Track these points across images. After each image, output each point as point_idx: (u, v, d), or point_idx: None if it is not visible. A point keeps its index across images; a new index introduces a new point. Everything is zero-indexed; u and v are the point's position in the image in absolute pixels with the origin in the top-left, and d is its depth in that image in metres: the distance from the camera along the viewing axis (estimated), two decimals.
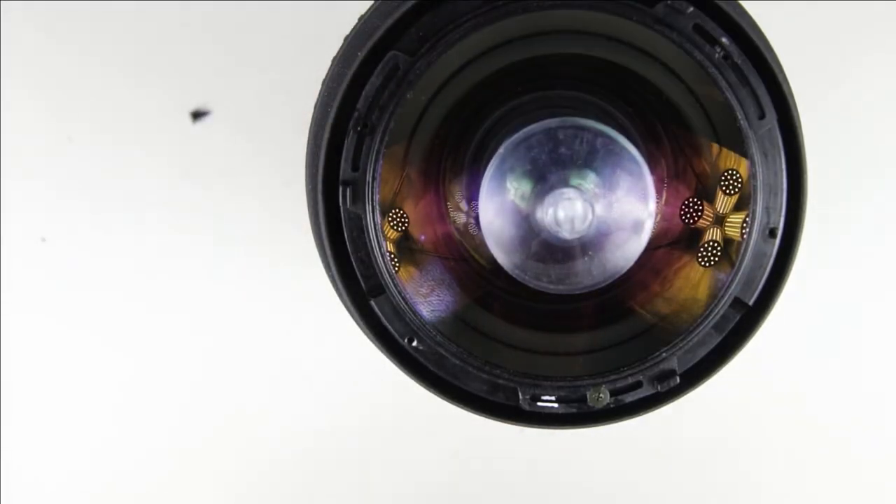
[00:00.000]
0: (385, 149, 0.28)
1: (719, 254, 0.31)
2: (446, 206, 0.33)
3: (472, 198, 0.32)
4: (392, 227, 0.32)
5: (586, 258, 0.28)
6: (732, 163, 0.30)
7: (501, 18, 0.27)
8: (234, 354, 0.44)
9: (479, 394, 0.29)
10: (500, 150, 0.28)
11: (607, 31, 0.29)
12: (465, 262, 0.32)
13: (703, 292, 0.31)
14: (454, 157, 0.33)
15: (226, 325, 0.45)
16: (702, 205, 0.32)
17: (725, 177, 0.30)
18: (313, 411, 0.44)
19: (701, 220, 0.32)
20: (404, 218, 0.32)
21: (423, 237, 0.33)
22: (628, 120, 0.31)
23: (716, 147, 0.30)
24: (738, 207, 0.30)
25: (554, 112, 0.30)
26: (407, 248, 0.32)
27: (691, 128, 0.30)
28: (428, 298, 0.31)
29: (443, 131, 0.32)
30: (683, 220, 0.32)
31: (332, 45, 0.31)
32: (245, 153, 0.42)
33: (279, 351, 0.45)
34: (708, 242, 0.32)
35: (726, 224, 0.31)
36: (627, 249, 0.28)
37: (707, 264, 0.31)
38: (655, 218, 0.29)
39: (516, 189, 0.28)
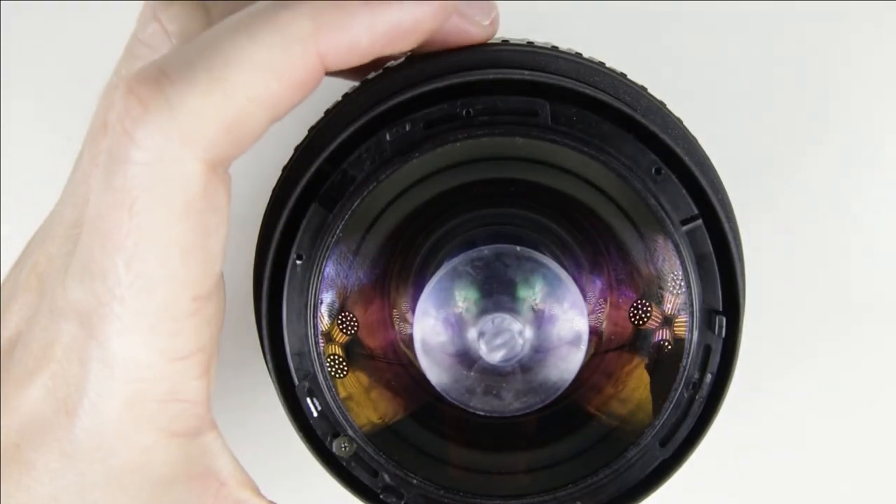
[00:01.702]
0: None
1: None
2: (392, 314, 0.33)
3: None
4: (341, 330, 0.32)
5: (522, 379, 0.28)
6: (675, 278, 0.30)
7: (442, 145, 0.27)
8: None
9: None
10: (435, 274, 0.28)
11: (539, 157, 0.29)
12: (409, 373, 0.32)
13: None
14: (401, 266, 0.33)
15: None
16: (650, 306, 0.32)
17: (669, 292, 0.30)
18: None
19: (649, 322, 0.32)
20: (354, 322, 0.32)
21: (371, 343, 0.33)
22: (567, 234, 0.31)
23: (658, 263, 0.30)
24: (682, 322, 0.30)
25: (492, 232, 0.30)
26: (357, 353, 0.32)
27: (628, 245, 0.30)
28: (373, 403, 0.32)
29: (390, 246, 0.32)
30: (633, 323, 0.32)
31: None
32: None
33: None
34: (658, 343, 0.31)
35: (675, 324, 0.31)
36: (563, 370, 0.28)
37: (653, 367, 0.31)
38: (598, 331, 0.29)
39: (448, 313, 0.28)
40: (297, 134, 0.30)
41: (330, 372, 0.29)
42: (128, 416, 0.25)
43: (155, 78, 0.24)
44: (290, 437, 0.41)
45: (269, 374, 0.29)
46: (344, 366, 0.31)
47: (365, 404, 0.31)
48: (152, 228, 0.24)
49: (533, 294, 0.28)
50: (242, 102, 0.24)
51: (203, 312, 0.26)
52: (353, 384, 0.32)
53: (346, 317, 0.32)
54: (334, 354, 0.31)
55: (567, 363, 0.28)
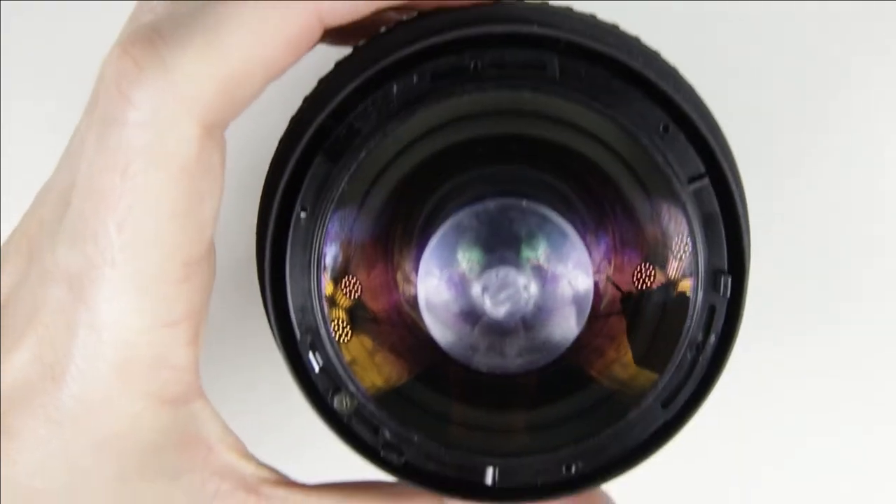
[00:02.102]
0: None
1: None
2: (395, 276, 0.33)
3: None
4: (345, 294, 0.32)
5: (525, 336, 0.28)
6: (680, 237, 0.30)
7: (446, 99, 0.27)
8: None
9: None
10: (438, 231, 0.28)
11: (547, 112, 0.29)
12: (415, 334, 0.32)
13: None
14: (404, 228, 0.33)
15: None
16: (654, 269, 0.32)
17: (674, 252, 0.30)
18: None
19: (654, 285, 0.32)
20: (357, 286, 0.32)
21: (375, 306, 0.33)
22: (573, 192, 0.31)
23: (664, 222, 0.30)
24: (687, 282, 0.30)
25: (498, 188, 0.30)
26: (361, 317, 0.32)
27: (634, 203, 0.30)
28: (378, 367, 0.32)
29: (393, 202, 0.32)
30: (637, 285, 0.32)
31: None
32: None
33: None
34: (662, 306, 0.31)
35: (679, 287, 0.31)
36: (567, 327, 0.28)
37: None
38: (602, 292, 0.29)
39: (453, 271, 0.28)
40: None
41: (334, 329, 0.29)
42: (116, 382, 0.25)
43: (149, 38, 0.24)
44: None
45: (271, 329, 0.29)
46: (348, 330, 0.31)
47: (369, 368, 0.31)
48: (146, 191, 0.24)
49: (538, 249, 0.28)
50: (239, 62, 0.24)
51: (194, 279, 0.25)
52: (357, 348, 0.32)
53: (349, 280, 0.32)
54: (338, 318, 0.31)
55: (571, 320, 0.28)
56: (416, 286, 0.32)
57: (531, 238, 0.28)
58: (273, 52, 0.24)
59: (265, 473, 0.28)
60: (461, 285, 0.28)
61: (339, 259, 0.31)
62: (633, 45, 0.29)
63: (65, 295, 0.25)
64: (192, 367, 0.26)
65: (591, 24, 0.29)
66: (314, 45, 0.25)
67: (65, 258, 0.25)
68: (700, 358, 0.28)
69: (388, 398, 0.30)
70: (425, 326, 0.30)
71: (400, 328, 0.33)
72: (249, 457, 0.28)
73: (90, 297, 0.25)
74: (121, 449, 0.26)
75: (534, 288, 0.28)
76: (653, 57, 0.29)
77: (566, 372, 0.31)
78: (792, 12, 0.41)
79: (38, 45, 0.42)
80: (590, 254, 0.29)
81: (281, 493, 0.27)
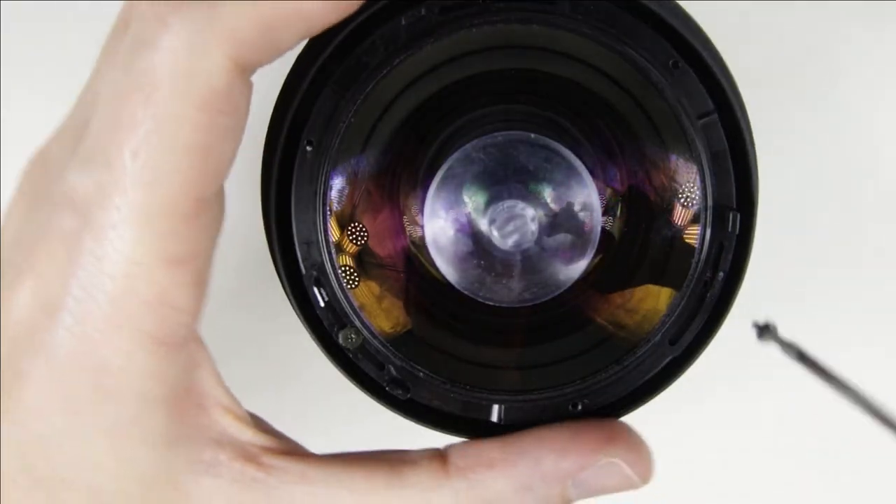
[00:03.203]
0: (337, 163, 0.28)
1: None
2: (402, 220, 0.32)
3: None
4: (351, 240, 0.32)
5: (532, 271, 0.28)
6: (689, 174, 0.30)
7: (455, 32, 0.27)
8: None
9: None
10: (445, 164, 0.28)
11: (557, 47, 0.29)
12: (421, 273, 0.32)
13: (664, 303, 0.31)
14: (409, 170, 0.32)
15: None
16: (662, 208, 0.32)
17: (683, 189, 0.30)
18: None
19: (662, 226, 0.32)
20: (363, 232, 0.32)
21: (381, 251, 0.33)
22: (582, 134, 0.31)
23: (673, 159, 0.30)
24: (695, 219, 0.30)
25: (506, 125, 0.30)
26: (368, 263, 0.32)
27: (643, 139, 0.30)
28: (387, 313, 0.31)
29: (399, 139, 0.32)
30: (644, 227, 0.32)
31: None
32: None
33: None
34: (670, 246, 0.31)
35: (685, 235, 0.31)
36: (573, 262, 0.28)
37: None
38: (609, 234, 0.29)
39: (460, 203, 0.28)
40: None
41: (339, 268, 0.29)
42: (113, 315, 0.24)
43: None
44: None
45: (275, 265, 0.29)
46: (356, 276, 0.31)
47: (377, 314, 0.31)
48: (167, 120, 0.23)
49: (546, 183, 0.28)
50: (284, 8, 0.23)
51: (203, 218, 0.25)
52: (364, 294, 0.31)
53: (355, 227, 0.32)
54: (345, 265, 0.31)
55: (577, 255, 0.28)
56: (423, 222, 0.31)
57: (539, 171, 0.27)
58: (320, 6, 0.24)
59: (265, 440, 0.27)
60: (469, 216, 0.28)
61: (346, 194, 0.31)
62: None
63: (71, 222, 0.24)
64: (192, 310, 0.25)
65: None
66: (356, 8, 0.25)
67: (74, 182, 0.24)
68: (708, 294, 0.28)
69: (395, 336, 0.30)
70: (432, 262, 0.30)
71: (406, 269, 0.33)
72: (248, 421, 0.27)
73: (96, 223, 0.24)
74: (114, 392, 0.25)
75: (541, 218, 0.27)
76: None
77: (573, 312, 0.31)
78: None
79: (38, 45, 0.42)
80: (598, 190, 0.29)
81: (282, 462, 0.27)
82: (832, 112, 0.43)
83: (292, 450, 0.27)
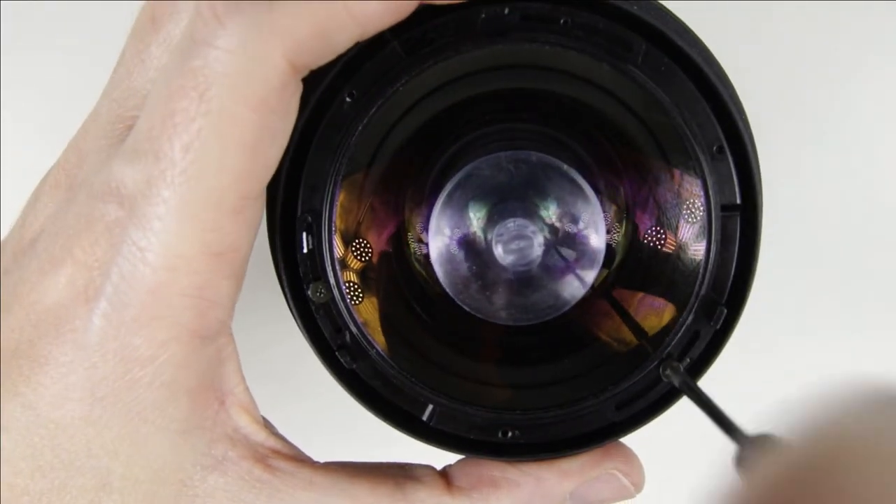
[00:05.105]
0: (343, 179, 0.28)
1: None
2: (407, 237, 0.32)
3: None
4: (355, 257, 0.32)
5: (535, 289, 0.28)
6: (693, 192, 0.29)
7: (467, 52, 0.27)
8: None
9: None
10: (450, 182, 0.28)
11: (565, 68, 0.29)
12: (426, 295, 0.32)
13: (667, 319, 0.31)
14: (415, 188, 0.32)
15: None
16: (665, 233, 0.32)
17: (687, 206, 0.30)
18: None
19: (664, 249, 0.32)
20: (368, 248, 0.32)
21: (383, 265, 0.33)
22: (586, 152, 0.31)
23: (677, 176, 0.30)
24: (700, 236, 0.30)
25: (511, 144, 0.30)
26: (371, 279, 0.32)
27: (648, 157, 0.30)
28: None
29: (403, 162, 0.32)
30: (648, 246, 0.32)
31: None
32: None
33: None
34: (673, 269, 0.31)
35: (689, 251, 0.31)
36: (577, 280, 0.28)
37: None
38: (612, 253, 0.29)
39: (465, 221, 0.28)
40: None
41: (337, 215, 0.28)
42: (150, 304, 0.25)
43: None
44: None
45: (275, 204, 0.29)
46: (359, 292, 0.31)
47: (380, 329, 0.31)
48: (220, 117, 0.23)
49: (551, 199, 0.27)
50: (339, 11, 0.24)
51: (246, 213, 0.25)
52: (367, 310, 0.31)
53: (359, 244, 0.32)
54: (350, 281, 0.31)
55: (582, 274, 0.28)
56: (427, 239, 0.31)
57: (544, 189, 0.27)
58: (375, 10, 0.24)
59: (276, 444, 0.27)
60: (473, 233, 0.28)
61: (352, 219, 0.30)
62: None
63: (117, 212, 0.25)
64: (227, 303, 0.26)
65: None
66: (410, 11, 0.25)
67: (120, 174, 0.25)
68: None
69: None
70: (436, 278, 0.30)
71: (406, 280, 0.33)
72: (262, 424, 0.27)
73: (142, 213, 0.24)
74: (142, 381, 0.25)
75: (545, 239, 0.27)
76: (665, 14, 0.29)
77: (574, 332, 0.31)
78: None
79: (38, 45, 0.42)
80: (602, 209, 0.29)
81: (289, 466, 0.27)
82: (833, 113, 0.43)
83: (300, 456, 0.28)
